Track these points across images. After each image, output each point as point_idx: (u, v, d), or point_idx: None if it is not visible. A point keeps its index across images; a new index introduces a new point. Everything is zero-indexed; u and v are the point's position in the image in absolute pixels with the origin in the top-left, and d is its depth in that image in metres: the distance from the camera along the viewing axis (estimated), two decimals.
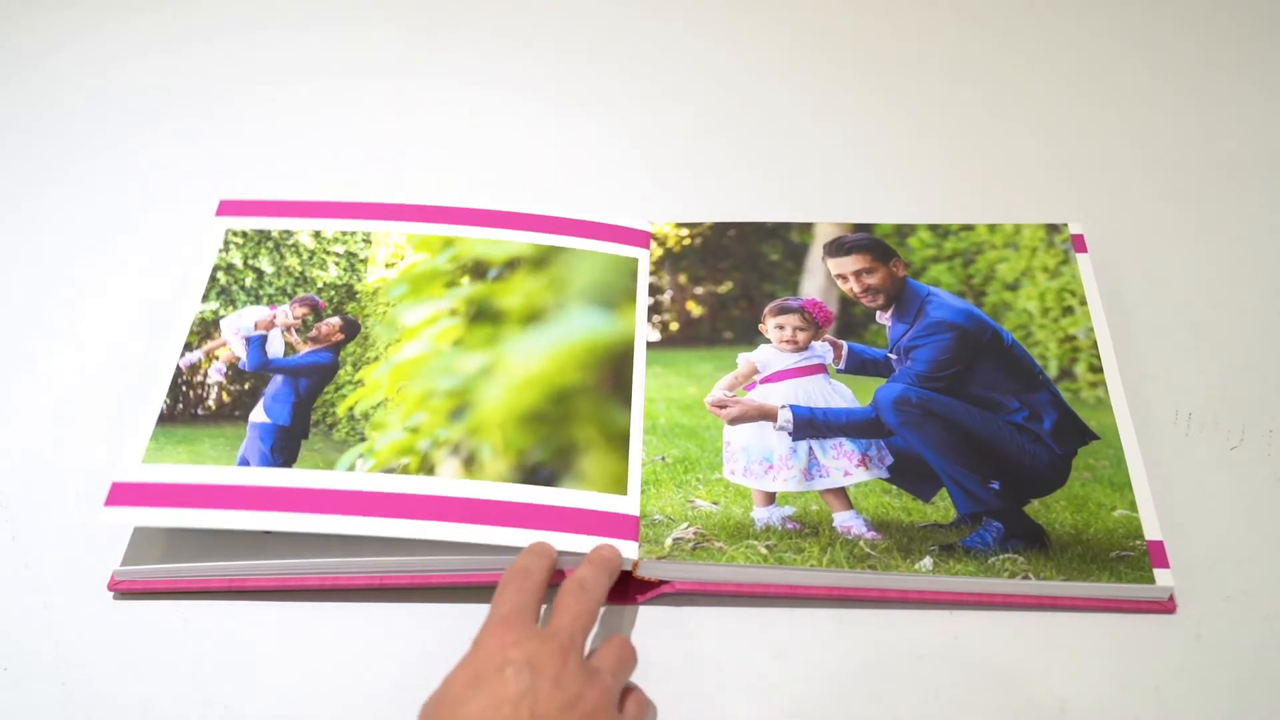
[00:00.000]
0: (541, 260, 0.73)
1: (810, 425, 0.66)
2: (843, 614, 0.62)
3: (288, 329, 0.70)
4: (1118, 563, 0.61)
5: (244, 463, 0.64)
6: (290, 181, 0.85)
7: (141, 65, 0.95)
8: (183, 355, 0.69)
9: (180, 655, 0.60)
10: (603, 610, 0.62)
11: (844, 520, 0.63)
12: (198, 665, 0.60)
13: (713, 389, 0.68)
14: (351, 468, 0.64)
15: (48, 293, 0.78)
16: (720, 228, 0.77)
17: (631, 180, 0.85)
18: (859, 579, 0.61)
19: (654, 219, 0.77)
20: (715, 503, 0.64)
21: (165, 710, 0.59)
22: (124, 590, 0.62)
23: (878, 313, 0.71)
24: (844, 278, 0.72)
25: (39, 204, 0.84)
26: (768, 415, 0.67)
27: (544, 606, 0.57)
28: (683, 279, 0.75)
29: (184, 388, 0.67)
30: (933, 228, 0.76)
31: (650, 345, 0.71)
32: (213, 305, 0.71)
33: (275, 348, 0.70)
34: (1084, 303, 0.72)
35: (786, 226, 0.77)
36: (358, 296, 0.72)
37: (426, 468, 0.64)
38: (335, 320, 0.71)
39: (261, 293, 0.72)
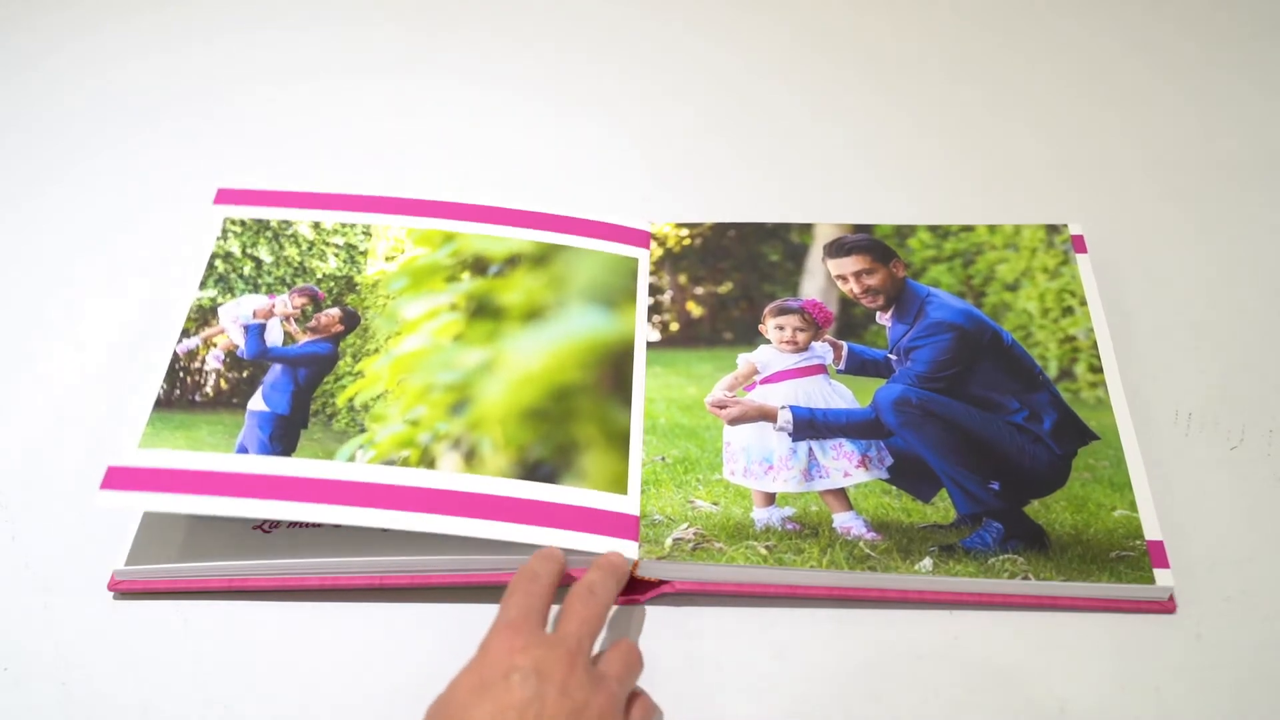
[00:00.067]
0: (542, 258, 0.73)
1: (810, 426, 0.66)
2: (843, 614, 0.62)
3: (287, 318, 0.70)
4: (1118, 563, 0.61)
5: (242, 450, 0.64)
6: (290, 182, 0.84)
7: (141, 65, 0.95)
8: (180, 341, 0.68)
9: (180, 655, 0.61)
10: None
11: (844, 521, 0.63)
12: (198, 665, 0.60)
13: (713, 389, 0.68)
14: (352, 458, 0.63)
15: (47, 293, 0.78)
16: (720, 228, 0.77)
17: (631, 180, 0.85)
18: (859, 579, 0.61)
19: (654, 219, 0.77)
20: (715, 503, 0.64)
21: (165, 710, 0.59)
22: (124, 590, 0.62)
23: (878, 313, 0.71)
24: (844, 278, 0.72)
25: (39, 204, 0.84)
26: (768, 416, 0.67)
27: (553, 609, 0.57)
28: (683, 279, 0.75)
29: (181, 374, 0.67)
30: (933, 228, 0.76)
31: (650, 345, 0.71)
32: (211, 293, 0.71)
33: (274, 337, 0.69)
34: (1084, 303, 0.72)
35: (786, 227, 0.77)
36: (357, 288, 0.72)
37: (427, 461, 0.63)
38: (335, 311, 0.71)
39: (260, 282, 0.72)
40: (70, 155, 0.88)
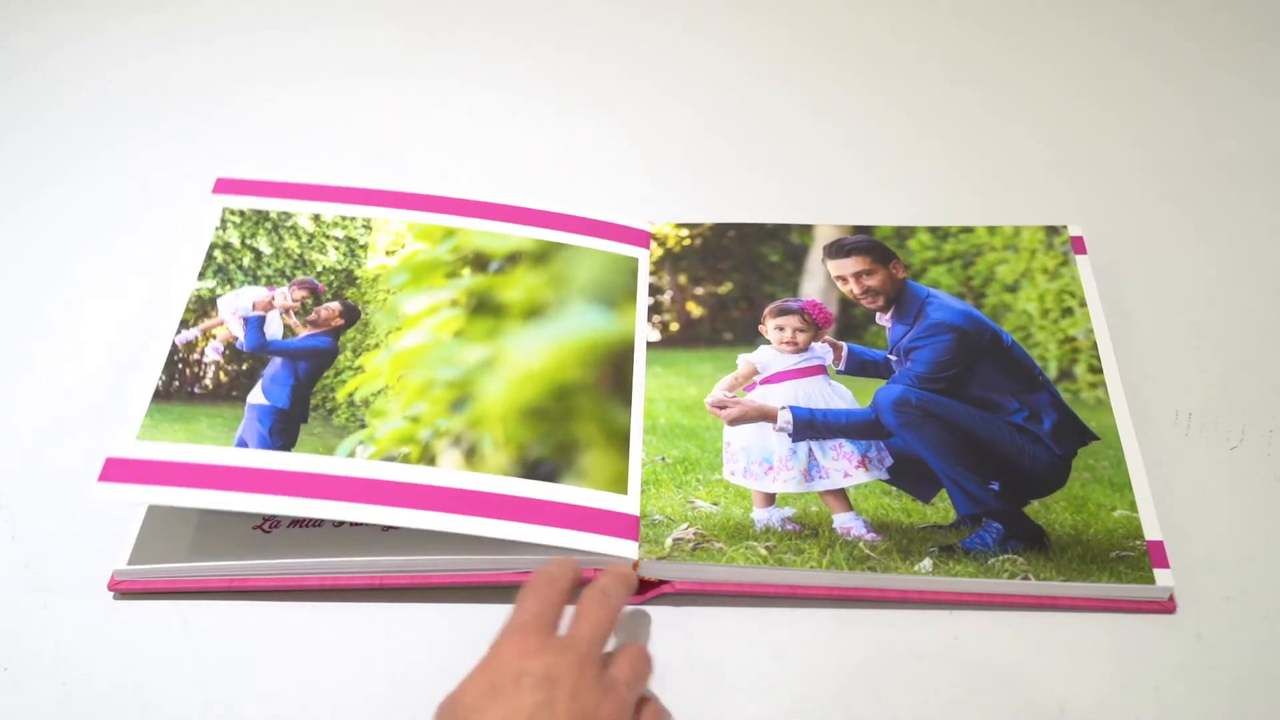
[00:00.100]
0: (542, 256, 0.73)
1: (810, 426, 0.66)
2: (843, 614, 0.62)
3: (286, 311, 0.70)
4: (1118, 563, 0.61)
5: (242, 444, 0.63)
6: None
7: (141, 65, 0.95)
8: (179, 332, 0.68)
9: (180, 655, 0.61)
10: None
11: (844, 521, 0.63)
12: (198, 665, 0.60)
13: (713, 390, 0.68)
14: (352, 454, 0.63)
15: (47, 294, 0.78)
16: (720, 228, 0.77)
17: (631, 180, 0.85)
18: (859, 579, 0.61)
19: (654, 219, 0.77)
20: (715, 503, 0.64)
21: (165, 710, 0.59)
22: (124, 590, 0.62)
23: (877, 314, 0.71)
24: (844, 279, 0.72)
25: (39, 204, 0.84)
26: (768, 416, 0.67)
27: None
28: (683, 279, 0.75)
29: (180, 365, 0.67)
30: (932, 230, 0.76)
31: (650, 345, 0.71)
32: (209, 283, 0.71)
33: (274, 329, 0.69)
34: (1083, 304, 0.72)
35: (786, 228, 0.77)
36: (357, 282, 0.72)
37: (428, 458, 0.63)
38: (335, 305, 0.70)
39: (259, 273, 0.71)
40: (70, 155, 0.88)
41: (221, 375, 0.67)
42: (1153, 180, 0.84)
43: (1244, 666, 0.59)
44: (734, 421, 0.67)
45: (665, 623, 0.62)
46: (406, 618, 0.62)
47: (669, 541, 0.62)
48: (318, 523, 0.63)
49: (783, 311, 0.71)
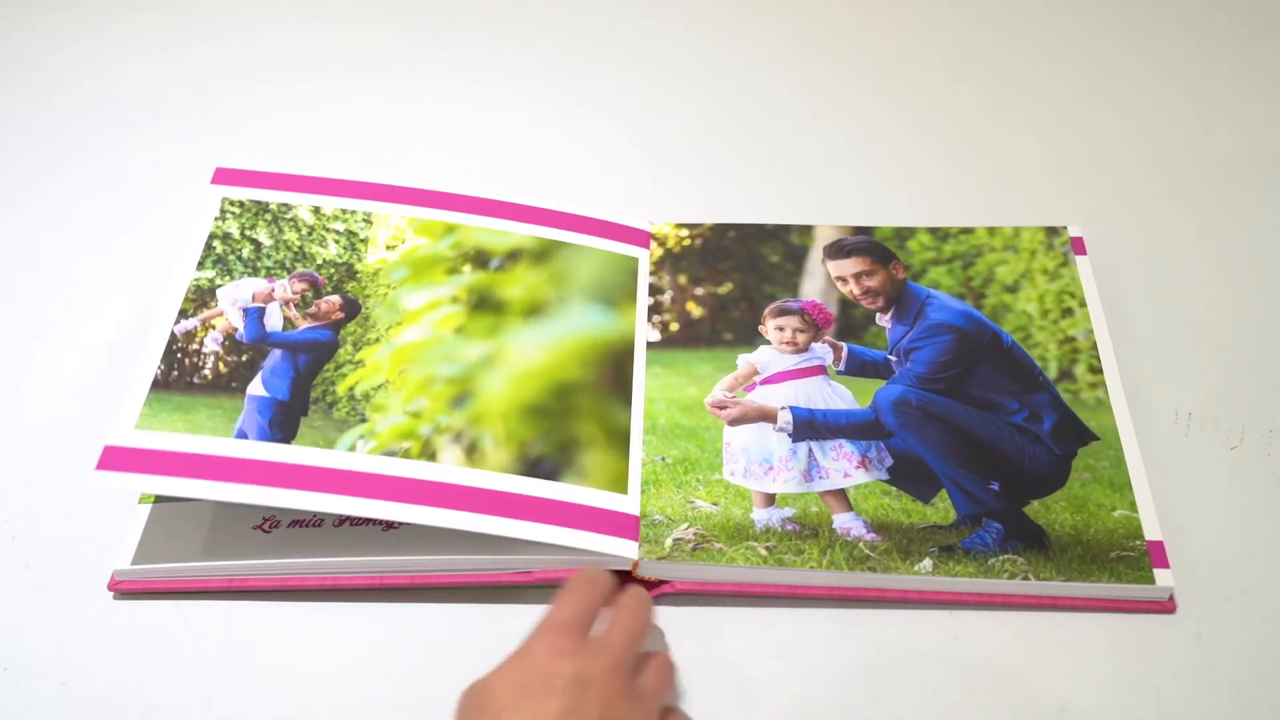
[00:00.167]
0: (543, 254, 0.73)
1: (810, 427, 0.66)
2: (843, 614, 0.62)
3: (286, 303, 0.70)
4: (1118, 563, 0.61)
5: (241, 435, 0.63)
6: None
7: (141, 65, 0.95)
8: (178, 322, 0.68)
9: (180, 655, 0.61)
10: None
11: (844, 522, 0.63)
12: (198, 665, 0.60)
13: (713, 390, 0.68)
14: (352, 448, 0.63)
15: (48, 294, 0.78)
16: (720, 229, 0.77)
17: (631, 180, 0.85)
18: (859, 579, 0.61)
19: (654, 219, 0.77)
20: (715, 503, 0.64)
21: (165, 710, 0.59)
22: (124, 590, 0.62)
23: (877, 315, 0.71)
24: (844, 280, 0.72)
25: (39, 204, 0.84)
26: (767, 416, 0.67)
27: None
28: (683, 279, 0.75)
29: (179, 355, 0.67)
30: (932, 230, 0.76)
31: (650, 345, 0.71)
32: (209, 273, 0.70)
33: (274, 321, 0.69)
34: (1083, 304, 0.72)
35: (786, 229, 0.77)
36: (358, 276, 0.72)
37: (428, 453, 0.63)
38: (335, 298, 0.70)
39: (259, 265, 0.71)
40: (70, 155, 0.88)
41: (221, 366, 0.67)
42: (1153, 180, 0.84)
43: (1244, 666, 0.59)
44: (734, 422, 0.67)
45: (665, 623, 0.62)
46: (406, 618, 0.62)
47: (669, 541, 0.62)
48: (318, 522, 0.63)
49: (783, 312, 0.71)
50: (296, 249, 0.72)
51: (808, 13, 0.98)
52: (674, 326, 0.72)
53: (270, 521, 0.63)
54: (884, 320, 0.70)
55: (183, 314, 0.68)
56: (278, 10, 0.99)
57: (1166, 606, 0.61)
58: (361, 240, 0.73)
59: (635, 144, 0.88)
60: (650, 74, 0.94)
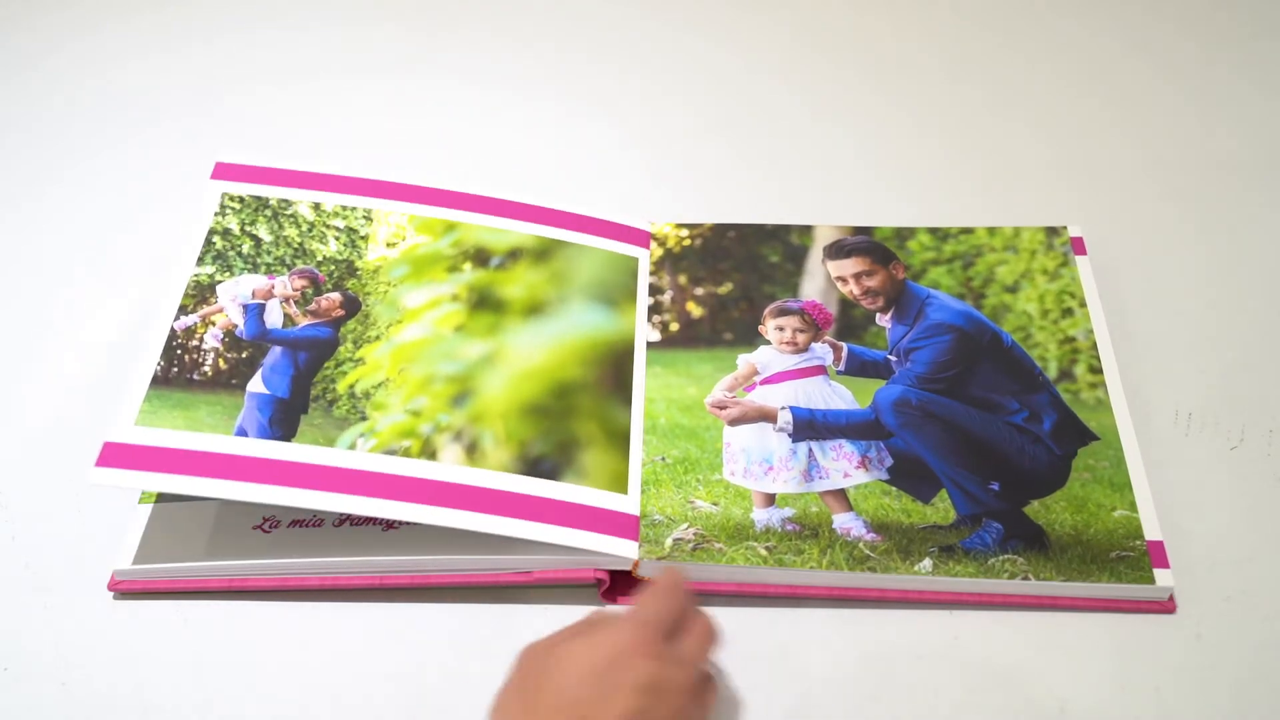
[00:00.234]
0: (543, 253, 0.73)
1: (810, 427, 0.66)
2: (843, 614, 0.62)
3: (286, 300, 0.70)
4: (1118, 563, 0.61)
5: (241, 433, 0.63)
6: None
7: (141, 65, 0.95)
8: (178, 318, 0.68)
9: (180, 655, 0.61)
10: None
11: (844, 522, 0.63)
12: (198, 665, 0.60)
13: (713, 390, 0.68)
14: (353, 446, 0.63)
15: (47, 294, 0.78)
16: (720, 229, 0.77)
17: (631, 180, 0.85)
18: (859, 579, 0.61)
19: (654, 219, 0.77)
20: (715, 504, 0.64)
21: (165, 710, 0.59)
22: (124, 590, 0.62)
23: (877, 315, 0.71)
24: (844, 280, 0.72)
25: (39, 204, 0.84)
26: (768, 416, 0.67)
27: None
28: (683, 279, 0.75)
29: (179, 351, 0.66)
30: (932, 230, 0.76)
31: (650, 345, 0.71)
32: (208, 269, 0.70)
33: (274, 318, 0.69)
34: (1083, 304, 0.72)
35: (786, 229, 0.77)
36: (358, 273, 0.72)
37: (429, 452, 0.63)
38: (335, 296, 0.70)
39: (259, 261, 0.71)
40: (70, 155, 0.88)
41: (221, 362, 0.67)
42: (1153, 180, 0.84)
43: (1244, 666, 0.59)
44: (734, 422, 0.67)
45: None
46: (406, 618, 0.62)
47: (669, 541, 0.62)
48: (318, 522, 0.63)
49: (783, 312, 0.71)
50: (296, 245, 0.72)
51: (808, 13, 0.98)
52: (674, 326, 0.72)
53: (270, 521, 0.63)
54: (884, 320, 0.70)
55: (183, 310, 0.68)
56: (278, 10, 0.99)
57: (1166, 606, 0.61)
58: (362, 237, 0.73)
59: (635, 144, 0.88)
60: (650, 74, 0.94)
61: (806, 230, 0.76)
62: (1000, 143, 0.87)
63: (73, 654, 0.61)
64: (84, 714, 0.59)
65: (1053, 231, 0.75)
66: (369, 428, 0.64)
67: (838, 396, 0.68)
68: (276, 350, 0.67)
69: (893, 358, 0.69)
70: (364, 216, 0.74)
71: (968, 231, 0.76)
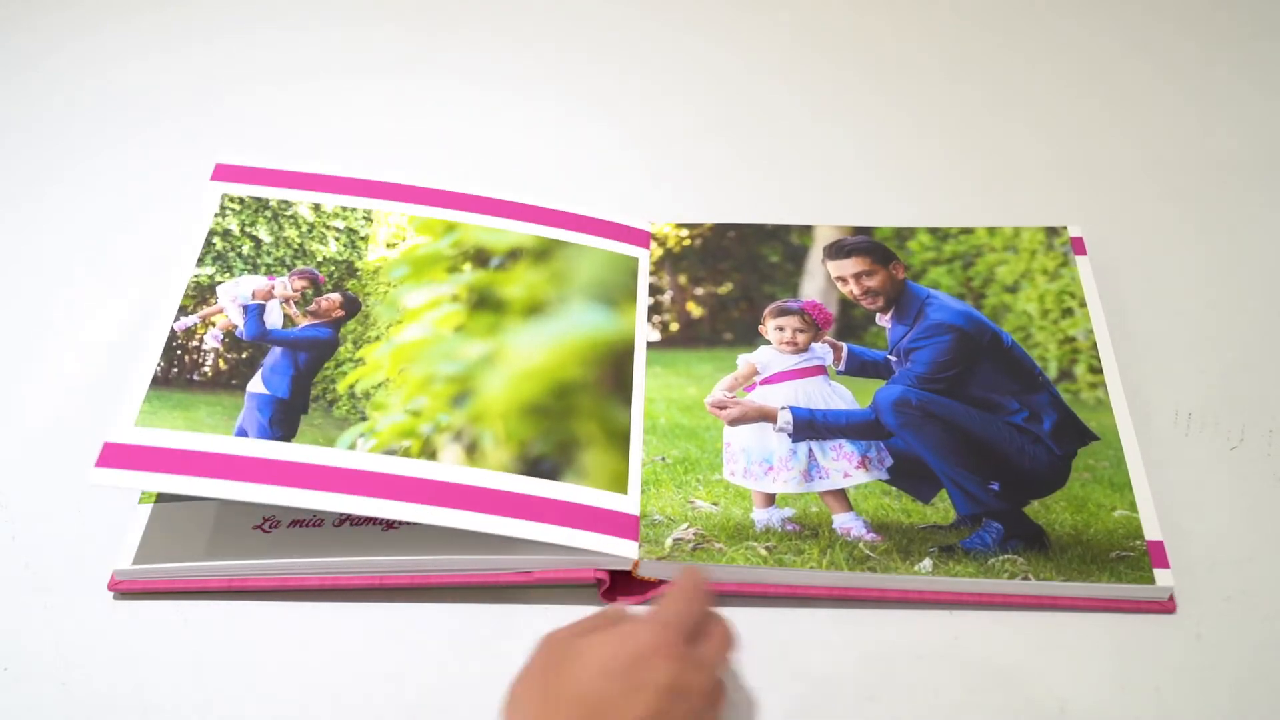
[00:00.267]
0: (543, 253, 0.73)
1: (810, 427, 0.66)
2: (843, 614, 0.62)
3: (286, 301, 0.70)
4: (1118, 563, 0.61)
5: (242, 433, 0.63)
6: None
7: (141, 65, 0.95)
8: (178, 319, 0.68)
9: (180, 655, 0.61)
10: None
11: (844, 522, 0.63)
12: (198, 665, 0.60)
13: (713, 390, 0.68)
14: (353, 446, 0.63)
15: (47, 295, 0.78)
16: (720, 229, 0.77)
17: (631, 180, 0.85)
18: (859, 579, 0.61)
19: (654, 219, 0.77)
20: (715, 504, 0.64)
21: (165, 710, 0.59)
22: (124, 590, 0.62)
23: (877, 315, 0.71)
24: (844, 280, 0.72)
25: (39, 204, 0.84)
26: (768, 416, 0.67)
27: None
28: (683, 279, 0.75)
29: (179, 352, 0.66)
30: (932, 231, 0.76)
31: (650, 345, 0.71)
32: (209, 270, 0.70)
33: (274, 319, 0.69)
34: (1083, 304, 0.72)
35: (786, 229, 0.77)
36: (358, 274, 0.72)
37: (429, 452, 0.63)
38: (335, 296, 0.70)
39: (259, 261, 0.71)
40: (70, 155, 0.88)
41: (221, 363, 0.67)
42: (1153, 180, 0.84)
43: (1244, 666, 0.59)
44: (734, 422, 0.67)
45: None
46: (406, 618, 0.62)
47: (669, 541, 0.62)
48: (318, 522, 0.63)
49: (783, 312, 0.71)
50: (296, 246, 0.72)
51: (808, 13, 0.98)
52: (674, 326, 0.72)
53: (270, 521, 0.63)
54: (884, 320, 0.70)
55: (183, 311, 0.68)
56: (278, 10, 0.99)
57: (1166, 606, 0.61)
58: (362, 238, 0.73)
59: (635, 144, 0.88)
60: (650, 74, 0.94)
61: (806, 230, 0.76)
62: (1000, 143, 0.87)
63: (73, 654, 0.61)
64: (84, 714, 0.59)
65: (1053, 231, 0.75)
66: (369, 428, 0.64)
67: (838, 396, 0.68)
68: (276, 351, 0.67)
69: (893, 358, 0.69)
70: (364, 217, 0.74)
71: (968, 231, 0.76)
